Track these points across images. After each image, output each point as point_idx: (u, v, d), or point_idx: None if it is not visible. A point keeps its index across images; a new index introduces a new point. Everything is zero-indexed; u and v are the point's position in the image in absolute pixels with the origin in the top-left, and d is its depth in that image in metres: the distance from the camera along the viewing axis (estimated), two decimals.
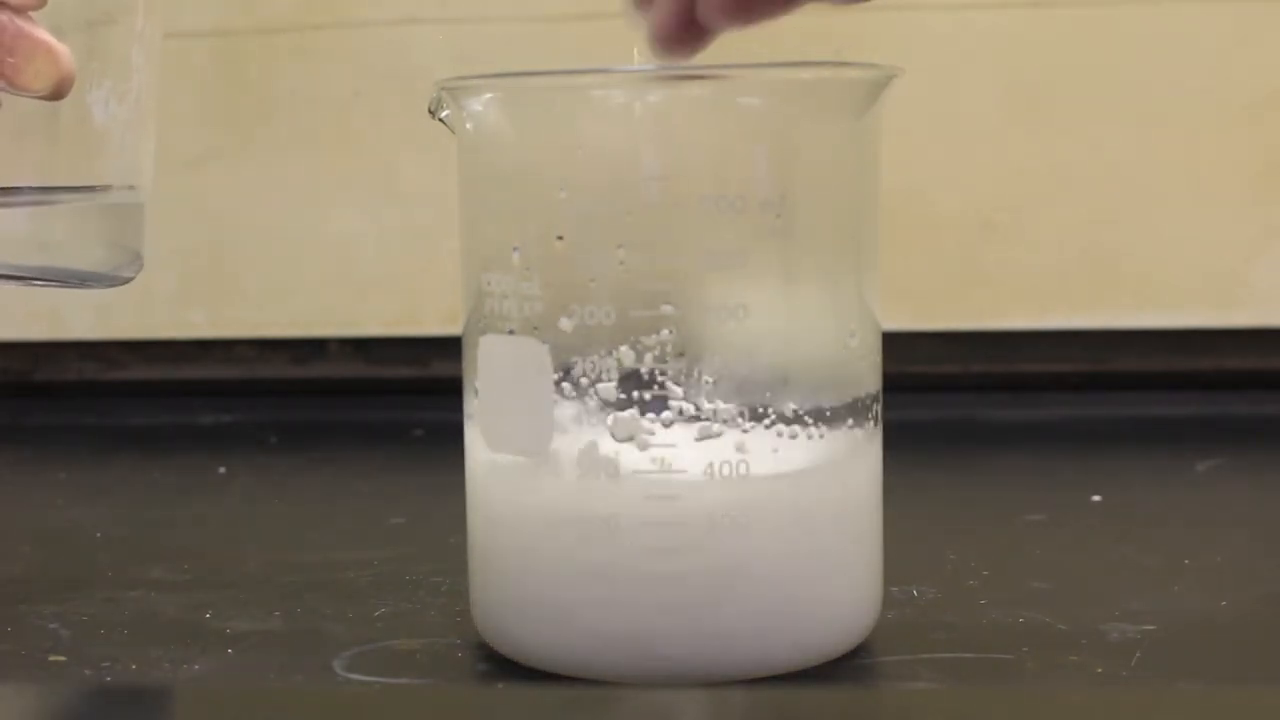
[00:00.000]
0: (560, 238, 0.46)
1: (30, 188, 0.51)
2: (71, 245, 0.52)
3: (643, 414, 0.46)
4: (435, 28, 0.83)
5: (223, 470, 0.76)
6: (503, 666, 0.48)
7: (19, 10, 0.48)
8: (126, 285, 0.53)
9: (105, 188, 0.52)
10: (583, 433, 0.46)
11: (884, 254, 0.49)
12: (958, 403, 0.84)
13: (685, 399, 0.46)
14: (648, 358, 0.46)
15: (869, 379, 0.49)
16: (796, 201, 0.47)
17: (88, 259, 0.52)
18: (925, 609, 0.53)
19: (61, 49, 0.48)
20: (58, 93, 0.49)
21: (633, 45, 0.48)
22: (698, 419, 0.46)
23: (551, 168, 0.47)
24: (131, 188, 0.52)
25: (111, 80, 0.51)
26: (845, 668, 0.48)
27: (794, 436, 0.47)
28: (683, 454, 0.46)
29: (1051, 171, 0.81)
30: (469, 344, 0.49)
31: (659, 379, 0.46)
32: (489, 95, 0.48)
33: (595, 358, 0.46)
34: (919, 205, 0.81)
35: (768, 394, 0.46)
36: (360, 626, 0.52)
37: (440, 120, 0.49)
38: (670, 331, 0.46)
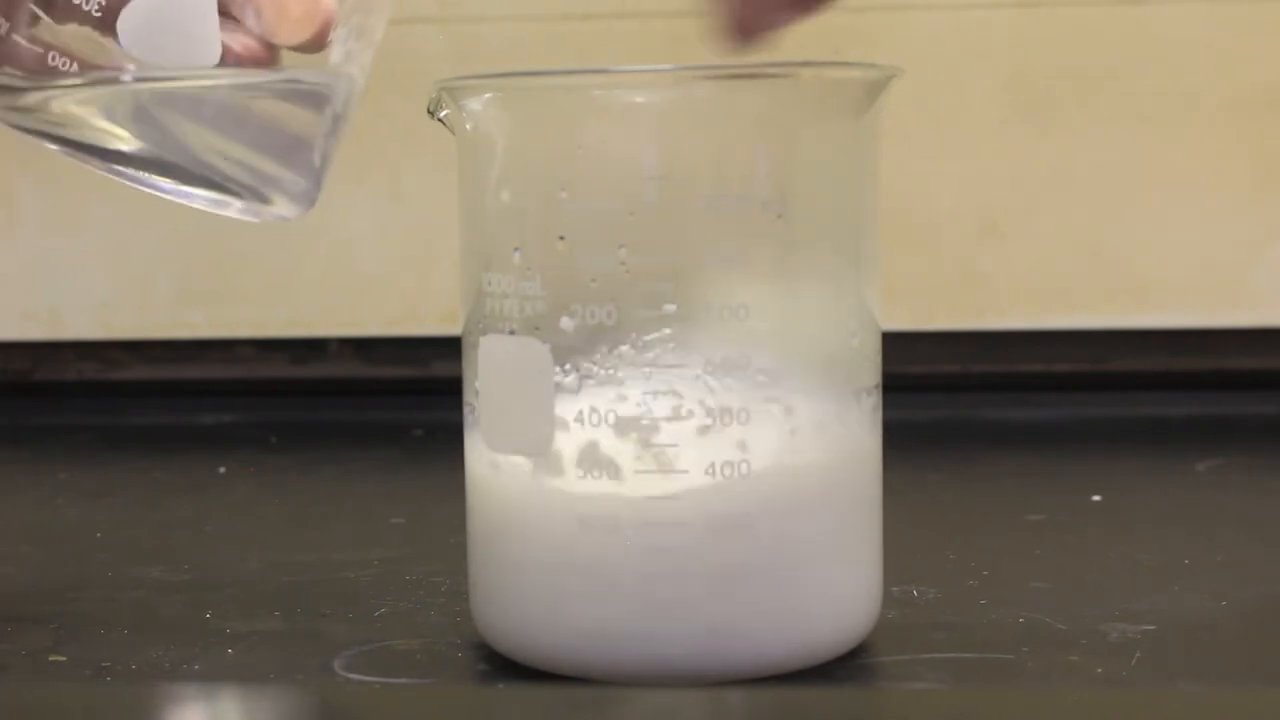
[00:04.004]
0: (561, 238, 0.46)
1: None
2: (258, 149, 0.48)
3: (644, 413, 0.46)
4: (435, 28, 0.83)
5: (223, 470, 0.76)
6: (503, 666, 0.48)
7: None
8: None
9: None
10: (584, 432, 0.46)
11: (884, 254, 0.49)
12: (958, 403, 0.84)
13: (686, 399, 0.46)
14: (649, 357, 0.46)
15: (869, 379, 0.49)
16: (797, 201, 0.47)
17: (269, 170, 0.48)
18: (925, 609, 0.53)
19: None
20: (317, 43, 0.46)
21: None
22: (699, 418, 0.46)
23: (552, 168, 0.47)
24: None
25: None
26: (845, 668, 0.48)
27: (795, 436, 0.47)
28: (684, 454, 0.46)
29: (1051, 171, 0.81)
30: (469, 344, 0.49)
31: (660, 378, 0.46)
32: (489, 95, 0.48)
33: (596, 357, 0.46)
34: (919, 205, 0.81)
35: (769, 393, 0.46)
36: (360, 626, 0.52)
37: (440, 120, 0.49)
38: (671, 331, 0.46)
